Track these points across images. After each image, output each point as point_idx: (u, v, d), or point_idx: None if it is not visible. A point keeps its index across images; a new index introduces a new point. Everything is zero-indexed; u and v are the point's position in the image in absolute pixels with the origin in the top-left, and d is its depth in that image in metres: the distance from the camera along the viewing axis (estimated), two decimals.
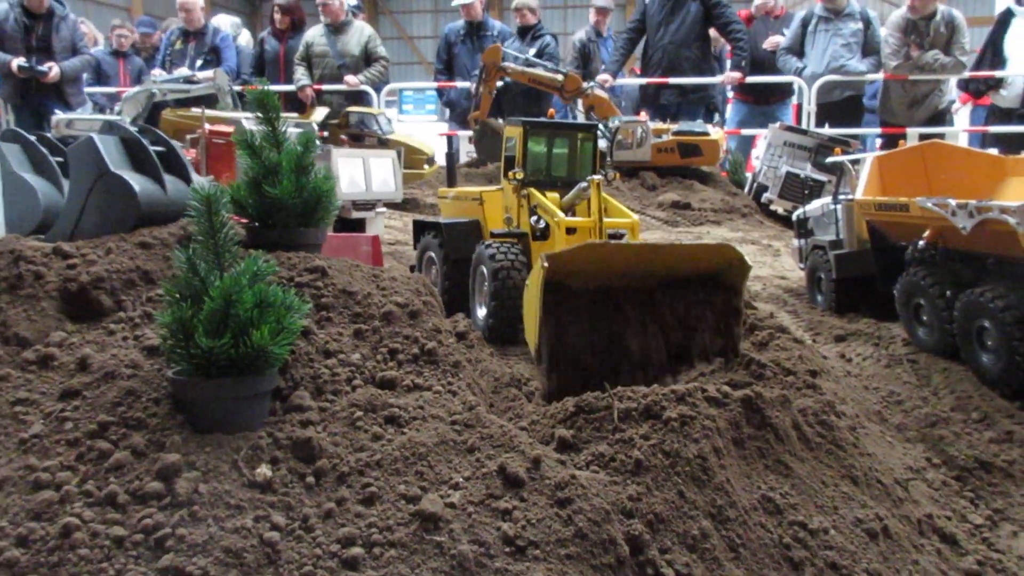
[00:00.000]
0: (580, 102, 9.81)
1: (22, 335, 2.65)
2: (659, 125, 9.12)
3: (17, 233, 3.15)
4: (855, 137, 9.85)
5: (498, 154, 9.76)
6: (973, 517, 2.91)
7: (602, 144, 8.47)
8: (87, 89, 11.64)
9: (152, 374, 2.49)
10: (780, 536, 2.39)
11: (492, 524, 2.21)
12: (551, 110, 4.56)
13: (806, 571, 2.34)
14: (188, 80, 10.55)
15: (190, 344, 2.33)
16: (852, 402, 3.35)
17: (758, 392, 2.68)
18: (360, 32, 10.84)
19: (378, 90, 10.98)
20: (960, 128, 10.85)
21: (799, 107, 10.50)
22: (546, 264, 3.12)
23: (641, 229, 4.17)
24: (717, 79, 10.71)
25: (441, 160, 8.38)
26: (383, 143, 7.87)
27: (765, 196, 8.48)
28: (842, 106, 10.32)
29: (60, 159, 3.46)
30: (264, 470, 2.27)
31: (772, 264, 6.44)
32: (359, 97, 10.88)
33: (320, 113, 8.52)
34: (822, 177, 7.60)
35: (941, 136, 9.92)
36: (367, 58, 10.74)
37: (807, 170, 8.00)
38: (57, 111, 10.52)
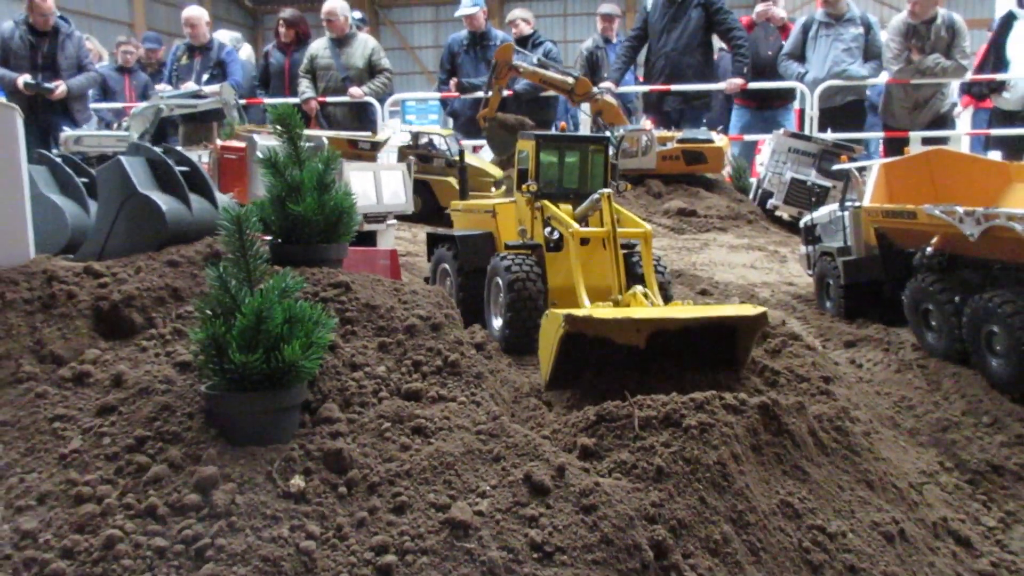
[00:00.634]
0: (587, 108, 9.88)
1: (57, 353, 2.72)
2: (664, 133, 9.19)
3: (46, 253, 3.23)
4: (858, 142, 9.92)
5: (510, 148, 9.92)
6: (986, 520, 2.97)
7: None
8: (93, 105, 11.75)
9: (185, 389, 2.56)
10: (799, 540, 2.45)
11: (520, 531, 2.27)
12: (562, 123, 4.63)
13: (825, 574, 2.40)
14: (195, 95, 10.66)
15: (223, 360, 2.40)
16: (865, 408, 3.41)
17: (774, 399, 2.75)
18: (364, 45, 10.94)
19: (382, 101, 11.08)
20: (963, 131, 10.90)
21: (801, 112, 10.58)
22: (565, 326, 3.21)
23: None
24: (720, 86, 10.80)
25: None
26: (451, 164, 7.91)
27: (770, 202, 8.55)
28: (844, 111, 10.38)
29: (85, 180, 3.54)
30: (298, 481, 2.34)
31: (780, 271, 6.51)
32: (363, 109, 10.98)
33: (387, 132, 8.58)
34: (827, 183, 7.67)
35: (944, 140, 10.00)
36: (371, 70, 10.84)
37: (812, 176, 8.07)
38: (65, 128, 10.63)
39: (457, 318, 3.12)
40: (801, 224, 5.83)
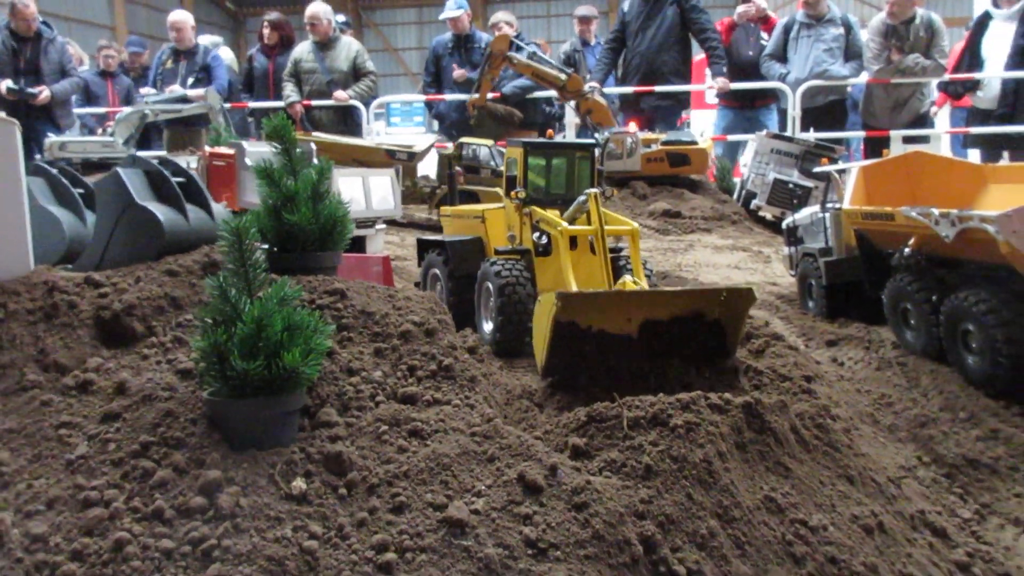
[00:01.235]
0: (577, 106, 9.95)
1: (60, 362, 2.79)
2: (648, 135, 9.30)
3: (44, 264, 3.29)
4: (839, 141, 10.06)
5: (498, 136, 9.99)
6: (962, 512, 3.08)
7: None
8: (76, 110, 11.73)
9: (187, 396, 2.63)
10: (783, 533, 2.55)
11: (515, 528, 2.36)
12: (549, 131, 4.72)
13: (808, 565, 2.50)
14: (181, 99, 10.68)
15: (225, 367, 2.48)
16: (845, 405, 3.52)
17: (758, 398, 2.85)
18: (348, 48, 10.98)
19: (367, 104, 11.13)
20: (942, 130, 11.08)
21: (784, 112, 10.72)
22: (558, 302, 3.31)
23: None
24: (704, 86, 10.92)
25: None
26: (497, 175, 7.94)
27: (754, 203, 8.68)
28: (826, 110, 10.53)
29: (82, 190, 3.60)
30: (299, 483, 2.42)
31: (763, 271, 6.63)
32: (348, 112, 11.03)
33: (425, 142, 8.59)
34: (809, 183, 7.80)
35: (925, 138, 10.17)
36: (355, 73, 10.88)
37: (794, 177, 8.20)
38: (49, 134, 10.62)
39: (450, 323, 3.20)
40: (783, 226, 5.95)
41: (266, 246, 3.17)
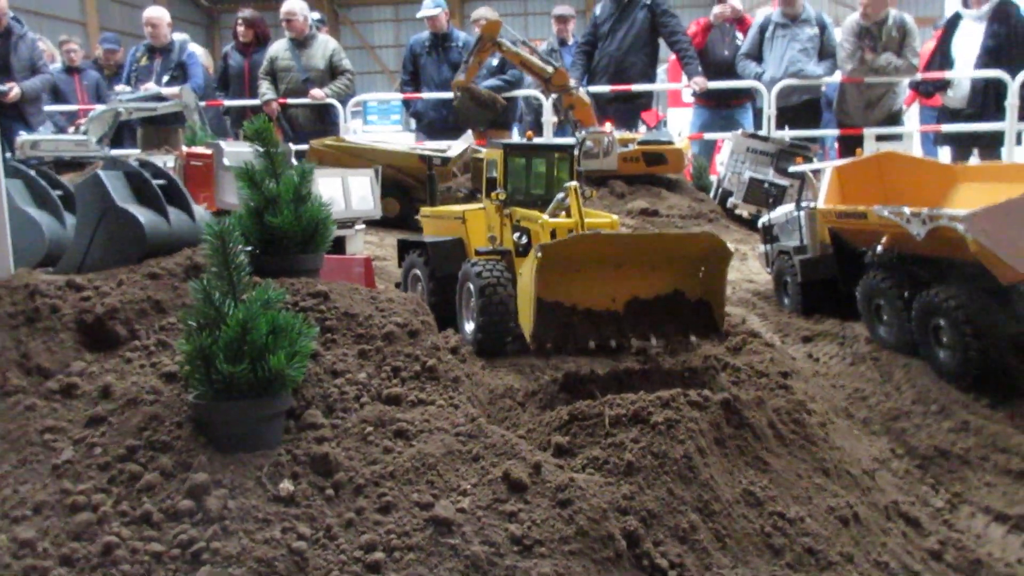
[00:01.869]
0: (559, 101, 10.00)
1: (44, 366, 2.78)
2: (625, 135, 9.36)
3: (24, 267, 3.28)
4: (814, 140, 10.19)
5: (479, 120, 10.00)
6: (934, 501, 3.16)
7: None
8: (45, 108, 11.60)
9: (172, 399, 2.64)
10: (761, 526, 2.61)
11: (500, 526, 2.40)
12: (529, 132, 4.76)
13: (786, 556, 2.56)
14: (155, 97, 10.58)
15: (211, 370, 2.50)
16: (821, 400, 3.60)
17: (736, 395, 2.91)
18: (324, 46, 10.93)
19: (344, 103, 11.10)
20: (914, 128, 11.24)
21: (759, 111, 10.83)
22: (539, 254, 3.41)
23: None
24: (681, 84, 11.01)
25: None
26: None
27: (730, 201, 8.77)
28: (801, 109, 10.66)
29: (60, 192, 3.59)
30: (286, 485, 2.44)
31: (740, 268, 6.72)
32: (325, 111, 10.99)
33: (459, 146, 8.52)
34: (784, 182, 7.90)
35: (898, 137, 10.33)
36: (332, 72, 10.84)
37: (769, 175, 8.30)
38: (21, 132, 10.49)
39: (433, 324, 3.24)
40: (759, 224, 6.03)
41: (249, 248, 3.19)
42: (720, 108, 11.10)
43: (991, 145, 10.27)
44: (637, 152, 9.07)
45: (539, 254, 3.48)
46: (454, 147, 10.65)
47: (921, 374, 4.01)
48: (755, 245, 7.11)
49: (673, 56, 11.28)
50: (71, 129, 11.32)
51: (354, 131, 12.94)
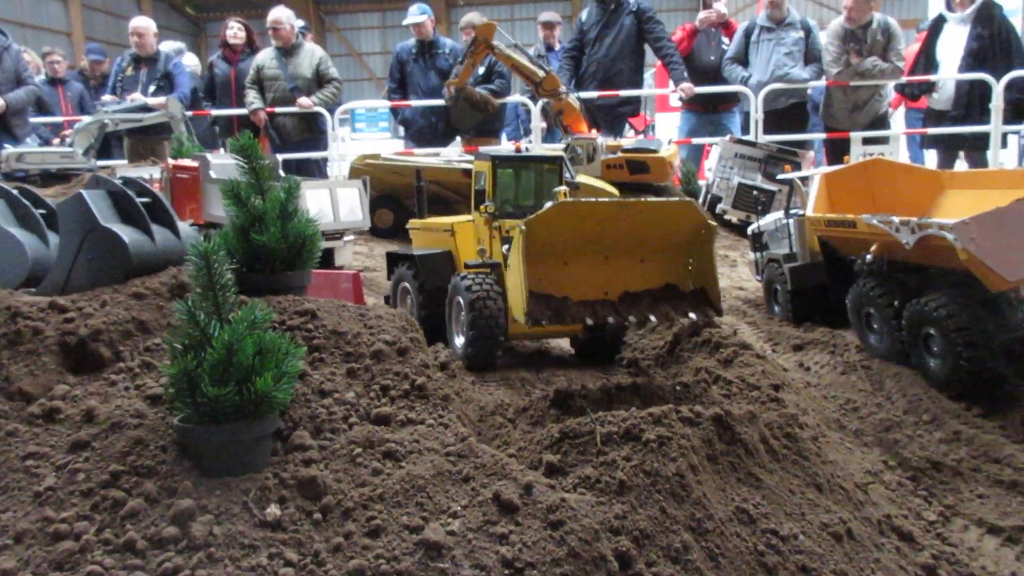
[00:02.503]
0: (548, 106, 10.02)
1: (26, 390, 2.74)
2: (611, 142, 9.37)
3: (6, 287, 3.23)
4: (801, 145, 10.22)
5: (472, 122, 9.97)
6: (927, 514, 3.15)
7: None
8: (30, 120, 11.51)
9: (157, 422, 2.60)
10: (755, 544, 2.59)
11: (491, 548, 2.37)
12: (516, 143, 4.74)
13: (779, 575, 2.54)
14: (142, 108, 10.51)
15: (196, 393, 2.46)
16: (813, 412, 3.58)
17: (727, 410, 2.89)
18: (311, 54, 10.90)
19: (332, 111, 11.06)
20: (900, 131, 11.29)
21: (747, 115, 10.85)
22: (524, 228, 3.46)
23: None
24: (668, 90, 11.04)
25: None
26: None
27: (719, 206, 8.78)
28: (788, 113, 10.69)
29: (44, 211, 3.54)
30: (273, 509, 2.40)
31: (729, 275, 6.71)
32: (313, 119, 10.95)
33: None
34: (772, 187, 7.91)
35: (884, 139, 10.37)
36: (319, 80, 10.81)
37: (758, 180, 8.31)
38: (6, 145, 10.41)
39: (422, 341, 3.20)
40: (749, 231, 6.03)
41: (235, 266, 3.15)
42: (707, 113, 11.13)
43: (977, 147, 10.33)
44: (621, 160, 9.06)
45: (523, 227, 3.51)
46: (443, 154, 10.63)
47: (912, 383, 4.00)
48: (744, 251, 7.11)
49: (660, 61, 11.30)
50: (56, 141, 11.24)
51: (342, 139, 12.90)
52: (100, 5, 26.28)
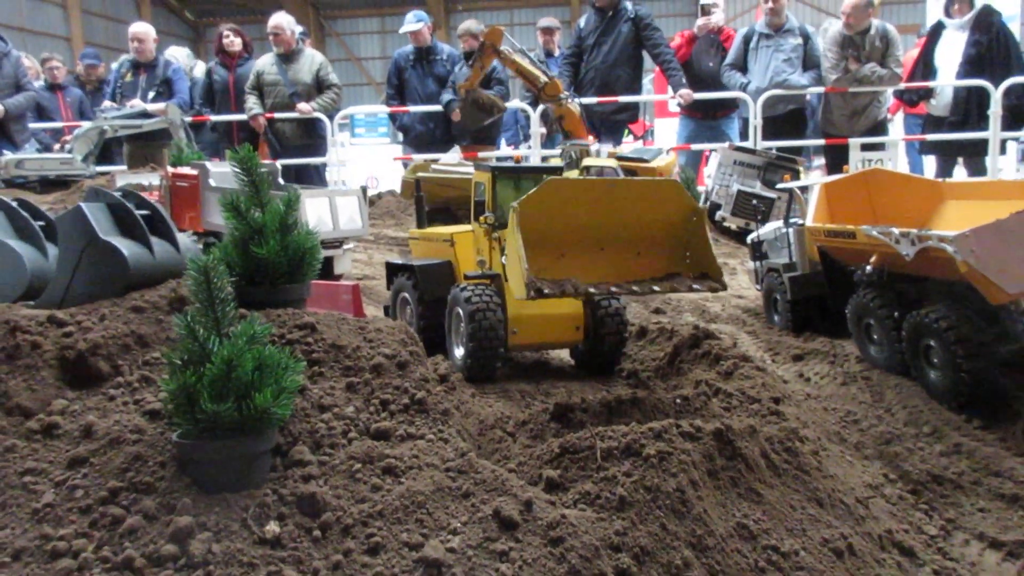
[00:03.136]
0: (546, 111, 10.07)
1: (24, 405, 2.73)
2: (611, 149, 9.37)
3: (5, 300, 3.22)
4: (799, 152, 10.23)
5: (478, 124, 10.03)
6: (928, 528, 3.14)
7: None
8: (30, 125, 11.52)
9: (156, 438, 2.59)
10: (755, 560, 2.58)
11: (491, 566, 2.36)
12: (517, 155, 4.73)
13: None
14: (141, 114, 10.52)
15: (195, 409, 2.45)
16: (813, 425, 3.57)
17: (728, 424, 2.88)
18: (311, 60, 10.92)
19: (331, 117, 11.08)
20: (899, 137, 11.31)
21: (745, 121, 10.87)
22: (516, 207, 3.56)
23: None
24: (667, 96, 11.06)
25: None
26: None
27: (719, 214, 8.78)
28: (786, 119, 10.71)
29: (43, 223, 3.54)
30: (272, 527, 2.39)
31: (729, 283, 6.68)
32: (312, 125, 10.96)
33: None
34: (771, 195, 7.91)
35: (882, 146, 10.38)
36: (319, 86, 10.82)
37: (757, 188, 8.32)
38: (5, 151, 10.41)
39: (422, 354, 3.19)
40: (748, 240, 6.03)
41: (234, 279, 3.14)
42: (706, 119, 11.16)
43: (975, 154, 10.34)
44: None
45: (515, 206, 3.59)
46: (442, 160, 10.65)
47: (912, 395, 3.99)
48: (744, 259, 7.10)
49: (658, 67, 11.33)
50: (56, 147, 11.25)
51: (341, 144, 12.91)
52: (100, 10, 26.29)
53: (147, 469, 2.49)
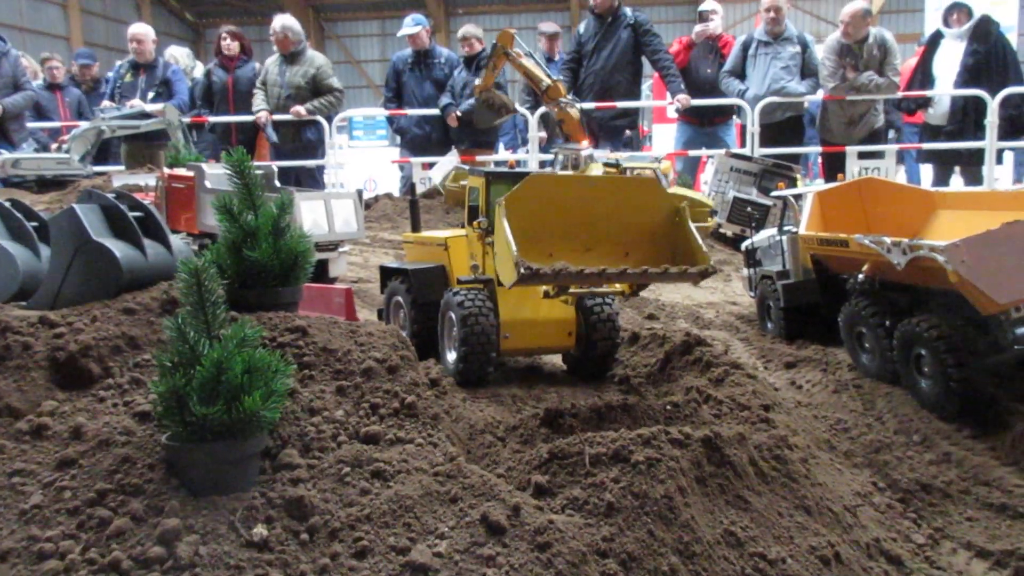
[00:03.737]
0: (546, 115, 10.14)
1: (14, 406, 2.73)
2: (610, 154, 9.39)
3: None
4: (796, 160, 10.26)
5: (488, 123, 10.10)
6: (916, 537, 3.14)
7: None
8: (28, 125, 11.54)
9: (145, 440, 2.60)
10: (742, 568, 2.59)
11: (478, 571, 2.36)
12: (511, 160, 4.74)
13: None
14: (140, 115, 10.53)
15: (184, 411, 2.45)
16: (803, 432, 3.58)
17: (717, 432, 2.89)
18: (310, 63, 10.95)
19: (329, 119, 11.11)
20: (896, 145, 11.35)
21: (743, 128, 10.90)
22: (502, 202, 3.66)
23: None
24: (665, 101, 11.10)
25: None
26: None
27: (714, 220, 8.80)
28: (784, 126, 10.75)
29: (36, 224, 3.54)
30: (260, 530, 2.40)
31: (724, 289, 6.72)
32: (300, 128, 10.97)
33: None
34: (767, 202, 7.93)
35: (880, 154, 10.42)
36: (316, 89, 10.84)
37: (753, 195, 8.34)
38: (3, 151, 10.41)
39: (413, 358, 3.20)
40: (743, 247, 6.05)
41: (226, 282, 3.15)
42: (704, 125, 11.20)
43: (972, 163, 10.38)
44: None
45: (501, 202, 3.69)
46: (441, 164, 10.68)
47: (903, 403, 4.00)
48: (739, 265, 7.11)
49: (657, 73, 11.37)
50: (54, 147, 11.26)
51: (339, 147, 12.93)
52: (99, 10, 26.30)
53: (136, 471, 2.49)
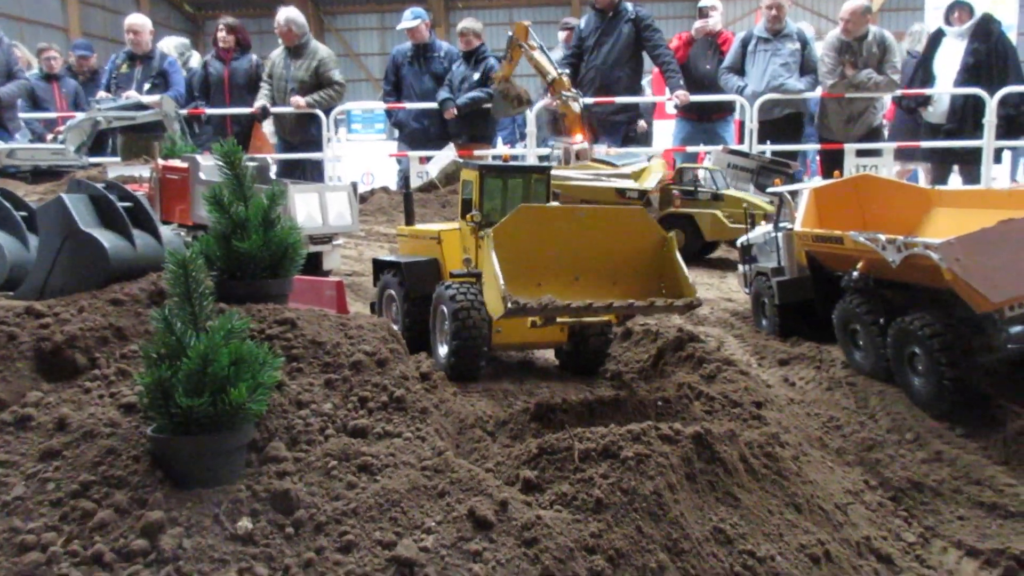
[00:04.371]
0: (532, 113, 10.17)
1: None
2: (608, 149, 9.37)
3: None
4: (794, 157, 10.23)
5: (506, 114, 10.12)
6: (907, 536, 3.13)
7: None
8: (22, 115, 11.51)
9: (130, 432, 2.58)
10: (731, 565, 2.57)
11: (464, 566, 2.35)
12: (505, 154, 4.72)
13: None
14: (136, 106, 10.48)
15: (169, 403, 2.43)
16: (795, 430, 3.56)
17: (707, 428, 2.87)
18: (313, 56, 10.93)
19: (328, 113, 11.08)
20: (894, 143, 11.32)
21: (741, 124, 10.87)
22: (490, 233, 3.68)
23: None
24: (665, 97, 11.07)
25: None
26: (717, 199, 7.80)
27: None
28: (783, 123, 10.72)
29: (24, 213, 3.52)
30: (245, 523, 2.38)
31: (719, 286, 6.70)
32: (310, 119, 10.96)
33: (654, 179, 8.29)
34: (764, 198, 7.89)
35: (878, 151, 10.39)
36: (319, 81, 10.82)
37: (750, 191, 8.30)
38: None
39: (402, 352, 3.18)
40: (738, 243, 6.02)
41: (214, 274, 3.13)
42: (702, 121, 11.16)
43: (970, 161, 10.35)
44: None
45: (490, 233, 3.70)
46: (437, 158, 10.65)
47: (896, 401, 3.98)
48: (735, 261, 7.09)
49: (657, 68, 11.33)
50: (49, 137, 11.22)
51: (338, 140, 12.89)
52: (98, 1, 26.20)
53: (120, 463, 2.47)
